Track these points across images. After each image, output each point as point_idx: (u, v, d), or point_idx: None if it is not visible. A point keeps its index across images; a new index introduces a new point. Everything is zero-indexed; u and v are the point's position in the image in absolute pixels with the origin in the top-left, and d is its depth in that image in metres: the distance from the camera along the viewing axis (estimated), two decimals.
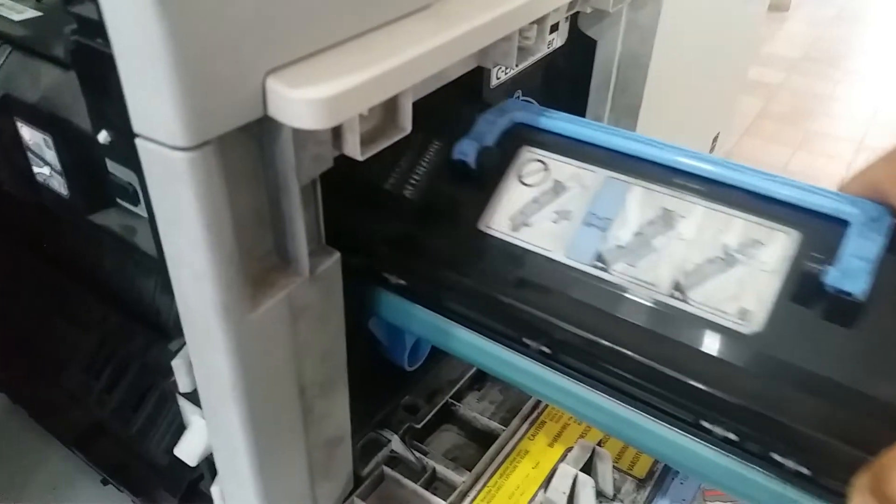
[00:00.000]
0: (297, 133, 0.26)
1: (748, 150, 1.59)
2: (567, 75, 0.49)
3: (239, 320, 0.27)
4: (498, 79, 0.42)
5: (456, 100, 0.38)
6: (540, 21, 0.35)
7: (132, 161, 0.25)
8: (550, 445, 0.46)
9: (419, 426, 0.45)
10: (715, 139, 0.78)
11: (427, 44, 0.27)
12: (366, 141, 0.29)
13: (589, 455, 0.42)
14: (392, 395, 0.46)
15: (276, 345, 0.29)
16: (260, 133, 0.26)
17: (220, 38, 0.21)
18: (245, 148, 0.25)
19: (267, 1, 0.22)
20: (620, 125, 0.51)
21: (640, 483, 0.43)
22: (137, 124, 0.23)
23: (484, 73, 0.41)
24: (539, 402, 0.48)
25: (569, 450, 0.44)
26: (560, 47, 0.46)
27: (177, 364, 0.31)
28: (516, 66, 0.37)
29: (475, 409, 0.47)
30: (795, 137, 1.70)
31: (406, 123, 0.30)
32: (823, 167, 1.60)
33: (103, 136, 0.26)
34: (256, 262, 0.28)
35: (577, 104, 0.50)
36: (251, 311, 0.27)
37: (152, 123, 0.22)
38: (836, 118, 1.86)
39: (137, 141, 0.23)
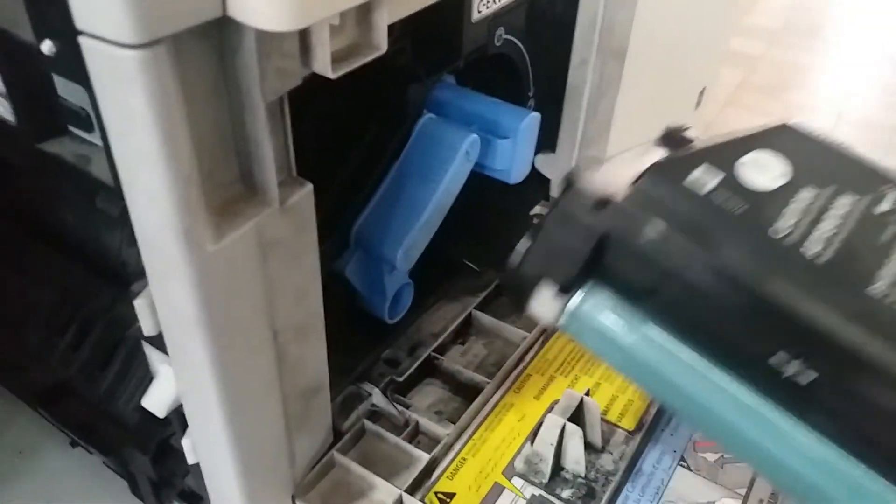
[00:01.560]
0: (261, 40, 0.23)
1: (730, 120, 1.58)
2: (552, 15, 0.47)
3: (202, 250, 0.25)
4: (479, 12, 0.40)
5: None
6: None
7: (82, 75, 0.22)
8: (537, 398, 0.44)
9: (401, 380, 0.43)
10: (701, 93, 0.76)
11: None
12: (337, 59, 0.26)
13: (577, 406, 0.40)
14: (372, 347, 0.44)
15: (245, 281, 0.27)
16: (220, 40, 0.23)
17: None
18: (203, 55, 0.23)
19: None
20: (606, 69, 0.49)
21: (630, 434, 0.42)
22: (80, 19, 0.20)
23: (465, 5, 0.38)
24: (524, 354, 0.46)
25: (555, 402, 0.43)
26: None
27: (139, 304, 0.29)
28: None
29: (459, 363, 0.46)
30: (776, 109, 1.70)
31: (381, 42, 0.28)
32: None
33: (47, 47, 0.24)
34: (220, 190, 0.26)
35: (562, 45, 0.48)
36: (216, 241, 0.25)
37: (96, 17, 0.20)
38: (816, 89, 1.86)
39: (81, 40, 0.21)
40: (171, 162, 0.22)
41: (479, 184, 0.45)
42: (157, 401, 0.33)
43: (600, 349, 0.34)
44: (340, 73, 0.27)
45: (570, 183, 0.34)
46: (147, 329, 0.29)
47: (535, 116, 0.44)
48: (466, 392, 0.44)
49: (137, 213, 0.24)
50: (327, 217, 0.41)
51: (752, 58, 1.97)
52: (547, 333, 0.48)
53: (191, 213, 0.24)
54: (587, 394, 0.43)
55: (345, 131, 0.41)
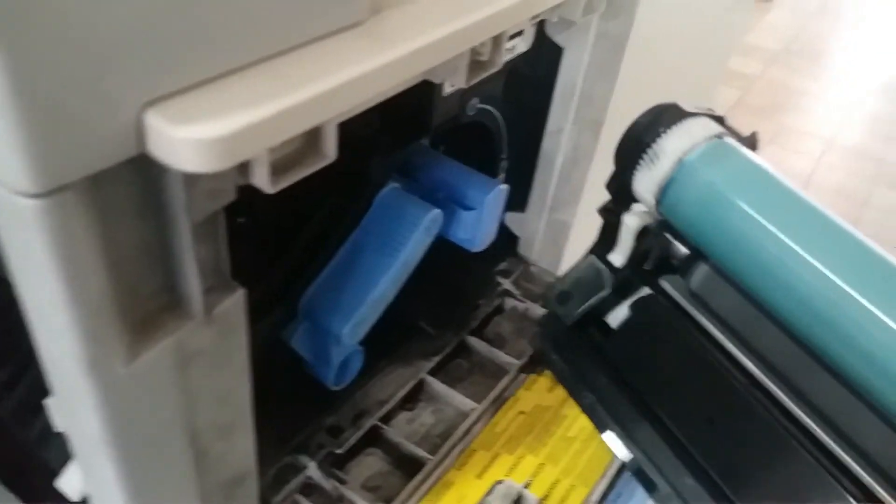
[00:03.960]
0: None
1: None
2: (529, 82, 0.45)
3: (110, 374, 0.23)
4: (452, 86, 0.38)
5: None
6: (496, 37, 0.31)
7: None
8: (479, 477, 0.43)
9: (341, 451, 0.42)
10: None
11: (354, 69, 0.23)
12: (279, 170, 0.25)
13: (515, 499, 0.39)
14: (315, 415, 0.43)
15: (160, 395, 0.26)
16: (143, 165, 0.22)
17: (78, 65, 0.17)
18: (124, 182, 0.21)
19: (139, 17, 0.18)
20: (581, 139, 0.47)
21: None
22: None
23: (435, 84, 0.37)
24: (471, 427, 0.45)
25: (497, 483, 0.42)
26: (524, 52, 0.42)
27: (50, 402, 0.27)
28: (468, 83, 0.33)
29: (404, 433, 0.44)
30: (768, 130, 1.69)
31: (330, 151, 0.26)
32: (792, 162, 1.61)
33: None
34: (142, 303, 0.25)
35: (537, 114, 0.46)
36: (127, 363, 0.24)
37: None
38: (810, 114, 1.85)
39: None
40: (77, 301, 0.21)
41: (441, 244, 0.44)
42: (71, 486, 0.31)
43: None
44: (281, 186, 0.25)
45: None
46: (57, 427, 0.28)
47: (502, 189, 0.43)
48: (408, 465, 0.43)
49: (42, 341, 0.23)
50: (277, 286, 0.40)
51: (750, 78, 1.96)
52: (497, 403, 0.47)
53: (98, 343, 0.22)
54: (527, 484, 0.42)
55: (301, 199, 0.39)
